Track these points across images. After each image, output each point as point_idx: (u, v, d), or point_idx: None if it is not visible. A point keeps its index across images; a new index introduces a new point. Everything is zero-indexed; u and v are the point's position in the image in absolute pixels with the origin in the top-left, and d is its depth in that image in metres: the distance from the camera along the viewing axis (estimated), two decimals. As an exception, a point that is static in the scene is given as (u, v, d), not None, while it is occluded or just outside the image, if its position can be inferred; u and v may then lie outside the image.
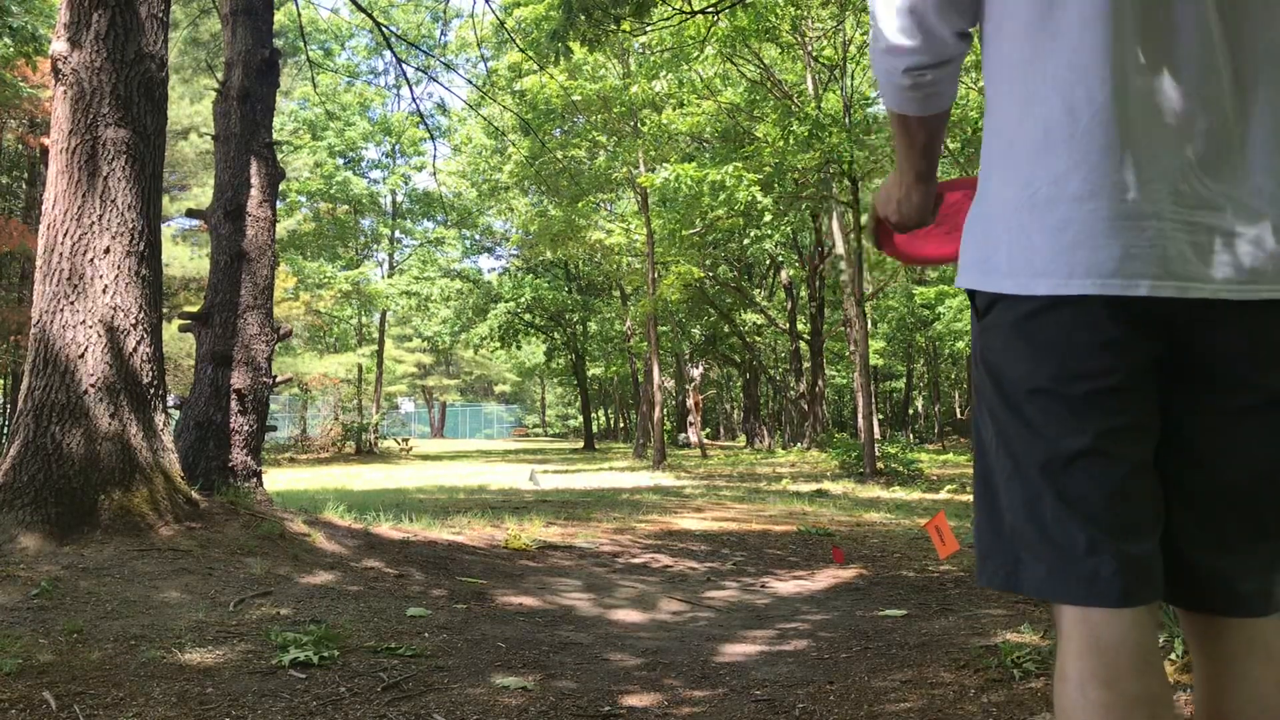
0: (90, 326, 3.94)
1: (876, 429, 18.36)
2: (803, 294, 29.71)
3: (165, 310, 7.07)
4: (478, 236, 35.30)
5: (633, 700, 2.61)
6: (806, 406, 28.26)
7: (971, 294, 1.16)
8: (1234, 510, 1.09)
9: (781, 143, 15.22)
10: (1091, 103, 1.03)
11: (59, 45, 4.11)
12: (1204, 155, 1.04)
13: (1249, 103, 1.06)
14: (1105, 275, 1.02)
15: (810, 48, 17.29)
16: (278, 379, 5.74)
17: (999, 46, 1.12)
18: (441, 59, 25.38)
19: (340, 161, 29.90)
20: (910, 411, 38.06)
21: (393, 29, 8.29)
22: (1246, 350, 1.05)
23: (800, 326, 29.58)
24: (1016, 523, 1.09)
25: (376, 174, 32.54)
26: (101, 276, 3.99)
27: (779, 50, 18.09)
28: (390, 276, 31.70)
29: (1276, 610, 1.11)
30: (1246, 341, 1.05)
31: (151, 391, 4.13)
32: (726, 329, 30.51)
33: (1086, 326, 1.03)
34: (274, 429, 6.86)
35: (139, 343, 4.08)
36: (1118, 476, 1.04)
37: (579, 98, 18.20)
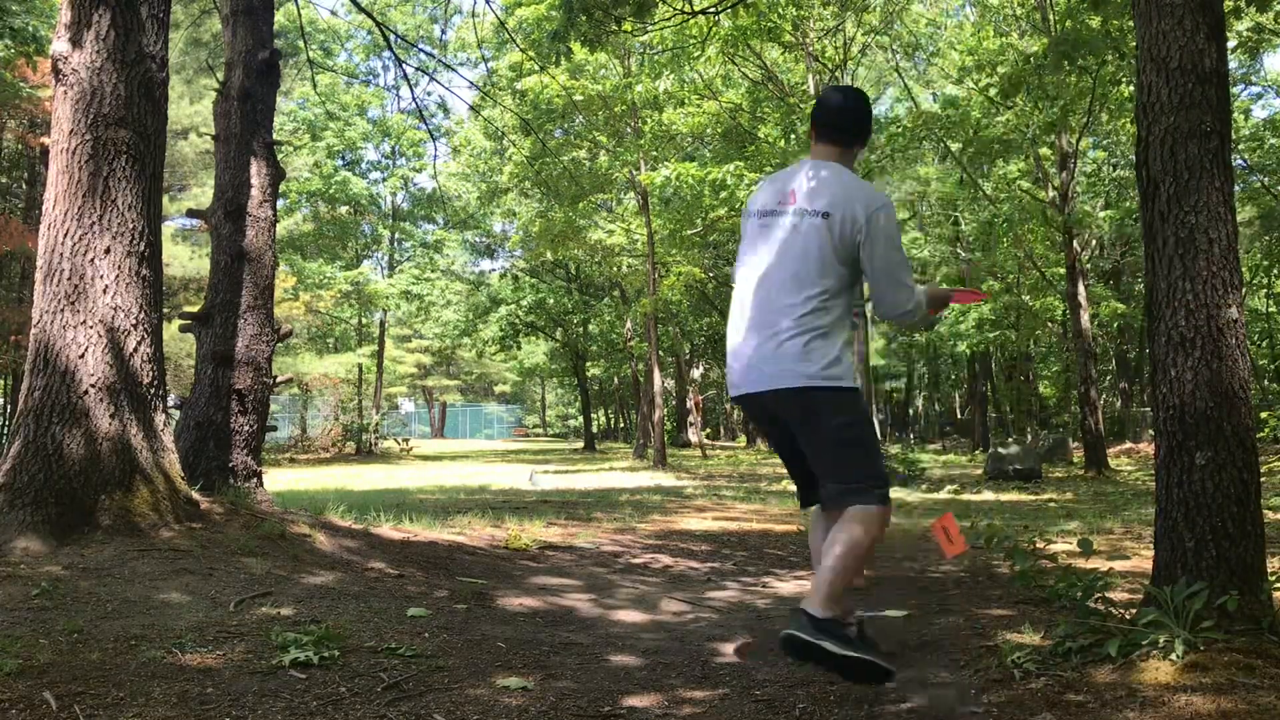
0: (91, 327, 3.93)
1: (877, 429, 18.35)
2: (803, 294, 29.66)
3: (165, 310, 7.06)
4: (480, 238, 35.28)
5: (633, 700, 2.61)
6: (807, 407, 28.20)
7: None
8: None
9: (783, 143, 15.21)
10: None
11: (60, 45, 4.11)
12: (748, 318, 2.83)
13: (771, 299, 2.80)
14: None
15: (811, 48, 17.29)
16: (278, 379, 5.74)
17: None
18: (442, 59, 25.37)
19: (339, 162, 29.89)
20: (911, 412, 38.05)
21: (392, 29, 8.29)
22: None
23: (800, 326, 29.52)
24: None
25: (376, 175, 32.55)
26: (102, 277, 3.98)
27: (780, 50, 18.09)
28: (390, 277, 31.70)
29: (834, 507, 2.70)
30: None
31: (152, 392, 4.13)
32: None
33: None
34: (274, 429, 6.86)
35: (139, 343, 4.07)
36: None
37: (580, 98, 18.19)
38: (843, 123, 2.98)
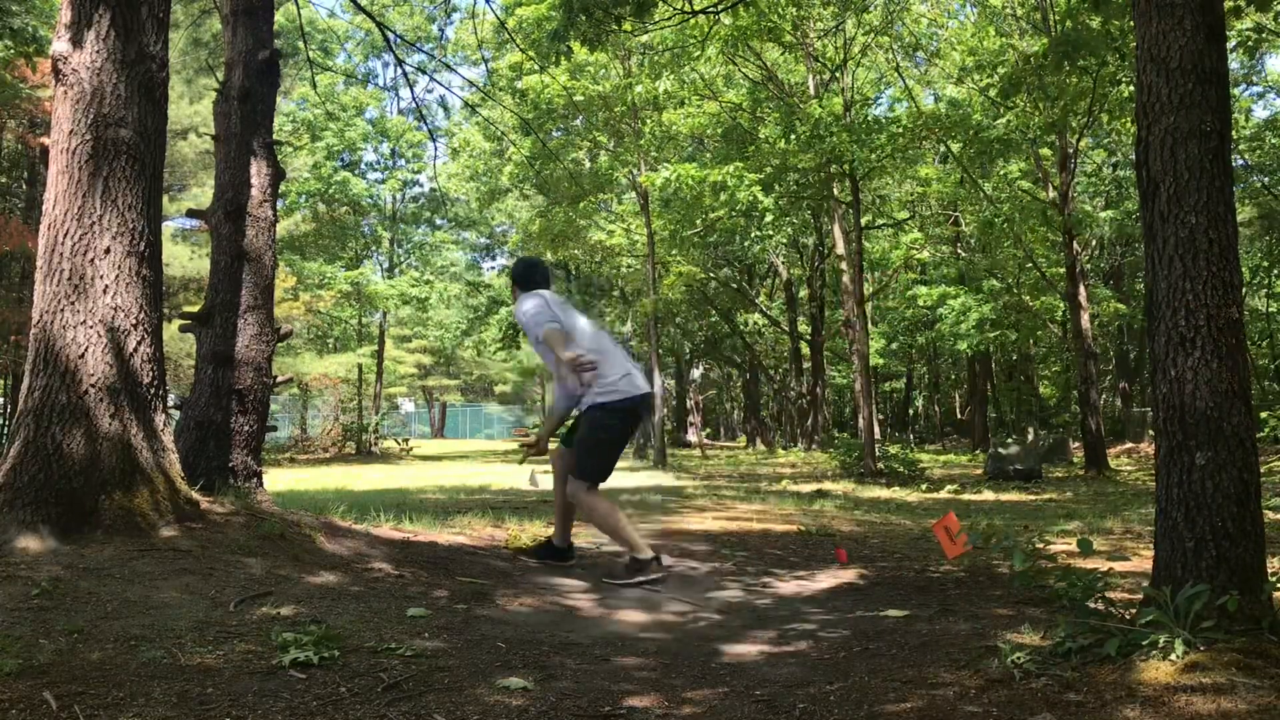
0: (91, 327, 3.93)
1: (877, 429, 18.35)
2: (803, 294, 29.70)
3: (165, 310, 7.06)
4: (482, 239, 35.26)
5: (634, 701, 2.61)
6: (807, 407, 28.24)
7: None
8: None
9: (783, 143, 15.21)
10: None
11: (60, 45, 4.11)
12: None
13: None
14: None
15: (811, 48, 17.28)
16: (278, 379, 5.74)
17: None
18: (442, 59, 25.37)
19: (339, 163, 29.88)
20: (911, 412, 38.04)
21: (392, 30, 8.28)
22: None
23: (801, 327, 29.56)
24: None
25: (375, 175, 32.55)
26: (102, 277, 3.98)
27: (780, 51, 18.08)
28: (390, 279, 31.69)
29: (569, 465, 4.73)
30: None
31: (152, 392, 4.13)
32: (727, 329, 30.48)
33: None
34: (274, 429, 6.85)
35: (139, 343, 4.07)
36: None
37: (580, 98, 18.18)
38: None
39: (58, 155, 4.06)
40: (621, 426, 4.77)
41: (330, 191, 28.48)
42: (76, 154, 4.02)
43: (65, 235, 3.97)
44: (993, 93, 15.23)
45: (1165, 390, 2.90)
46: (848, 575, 4.89)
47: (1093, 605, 3.01)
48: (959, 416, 35.99)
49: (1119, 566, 3.86)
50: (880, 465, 14.69)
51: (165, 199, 14.73)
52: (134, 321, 4.06)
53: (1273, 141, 20.48)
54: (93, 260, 3.97)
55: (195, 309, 5.58)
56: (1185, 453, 2.83)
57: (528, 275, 5.02)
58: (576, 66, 17.64)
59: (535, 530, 5.96)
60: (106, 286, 3.99)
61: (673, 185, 16.07)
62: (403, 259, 33.59)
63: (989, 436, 25.74)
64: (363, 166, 32.25)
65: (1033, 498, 10.96)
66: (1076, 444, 19.69)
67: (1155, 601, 2.72)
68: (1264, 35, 12.10)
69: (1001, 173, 19.60)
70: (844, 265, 17.76)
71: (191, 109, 22.47)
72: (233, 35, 5.58)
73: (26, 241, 16.15)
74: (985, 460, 16.28)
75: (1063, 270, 17.71)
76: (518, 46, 16.03)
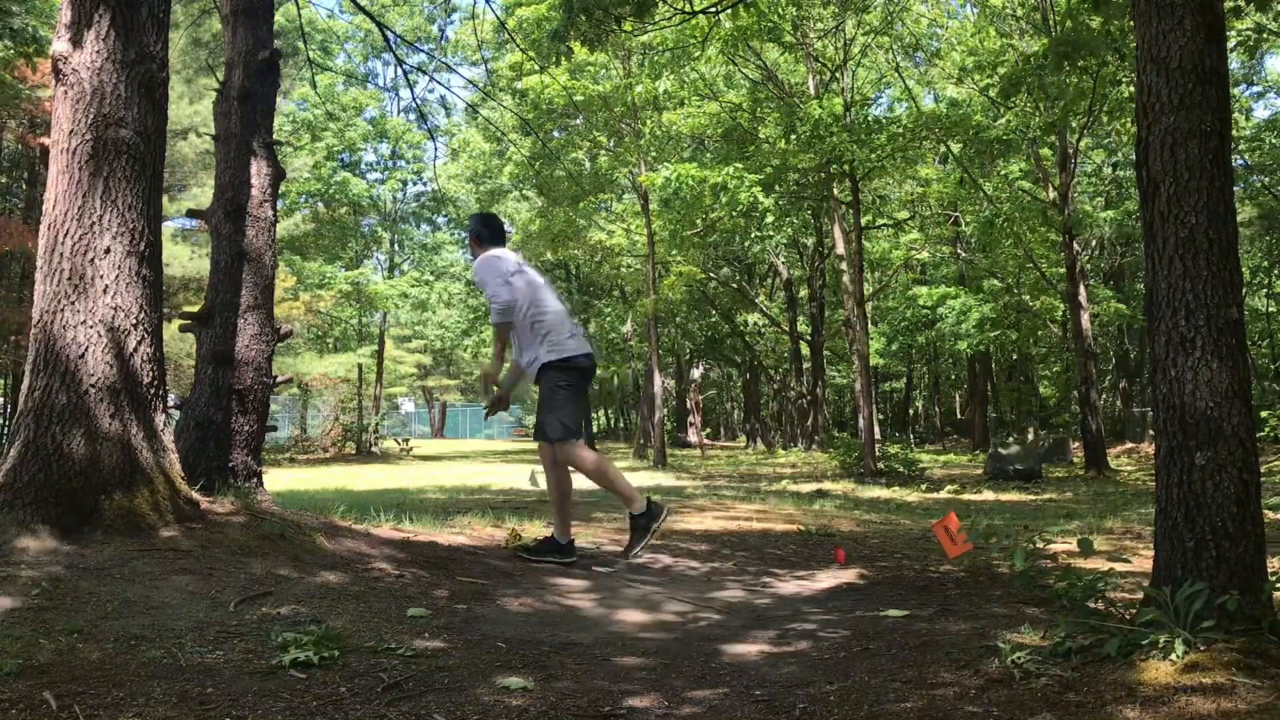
0: (91, 327, 3.93)
1: (877, 429, 18.35)
2: (803, 294, 29.69)
3: (165, 310, 7.06)
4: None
5: (634, 700, 2.61)
6: (807, 407, 28.23)
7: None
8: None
9: (783, 143, 15.21)
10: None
11: (60, 45, 4.11)
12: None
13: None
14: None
15: (811, 48, 17.27)
16: (278, 379, 5.73)
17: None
18: (442, 59, 25.36)
19: (339, 163, 29.88)
20: (911, 412, 38.03)
21: (391, 29, 8.28)
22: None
23: (801, 327, 29.55)
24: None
25: (375, 175, 32.55)
26: (102, 277, 3.98)
27: (781, 51, 18.08)
28: (390, 279, 31.68)
29: (543, 439, 4.93)
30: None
31: (152, 392, 4.13)
32: (727, 329, 30.47)
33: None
34: (274, 429, 6.85)
35: (140, 343, 4.07)
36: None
37: (581, 98, 18.18)
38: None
39: (58, 155, 4.06)
40: (578, 380, 4.97)
41: (330, 192, 28.48)
42: (76, 154, 4.01)
43: (65, 235, 3.97)
44: (993, 93, 15.23)
45: (1165, 390, 2.90)
46: (848, 575, 4.89)
47: (1093, 605, 3.01)
48: (959, 416, 36.00)
49: (1119, 566, 3.86)
50: (880, 465, 14.69)
51: (165, 199, 14.71)
52: (134, 321, 4.06)
53: (1273, 141, 20.48)
54: (93, 260, 3.97)
55: (195, 309, 5.58)
56: (1185, 453, 2.83)
57: (486, 230, 5.16)
58: (576, 67, 17.64)
59: (535, 530, 5.96)
60: (106, 286, 3.99)
61: (673, 185, 16.07)
62: (403, 259, 33.58)
63: (989, 436, 25.73)
64: (363, 167, 32.27)
65: (1033, 498, 10.96)
66: (1076, 444, 19.69)
67: (1155, 601, 2.72)
68: (1264, 35, 12.10)
69: (1001, 173, 19.60)
70: (844, 265, 17.76)
71: (191, 109, 22.46)
72: (233, 35, 5.58)
73: (26, 241, 16.15)
74: (985, 460, 16.28)
75: (1063, 270, 17.72)
76: (518, 46, 16.03)
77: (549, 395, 4.85)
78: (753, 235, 21.54)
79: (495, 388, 5.25)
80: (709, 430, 39.98)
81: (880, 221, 24.62)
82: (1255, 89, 24.44)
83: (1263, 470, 4.51)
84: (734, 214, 16.59)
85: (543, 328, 4.90)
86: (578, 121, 20.84)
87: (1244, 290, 4.05)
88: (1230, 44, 10.69)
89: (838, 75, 17.36)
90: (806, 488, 11.95)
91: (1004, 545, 3.54)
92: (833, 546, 5.77)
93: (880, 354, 27.70)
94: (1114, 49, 11.28)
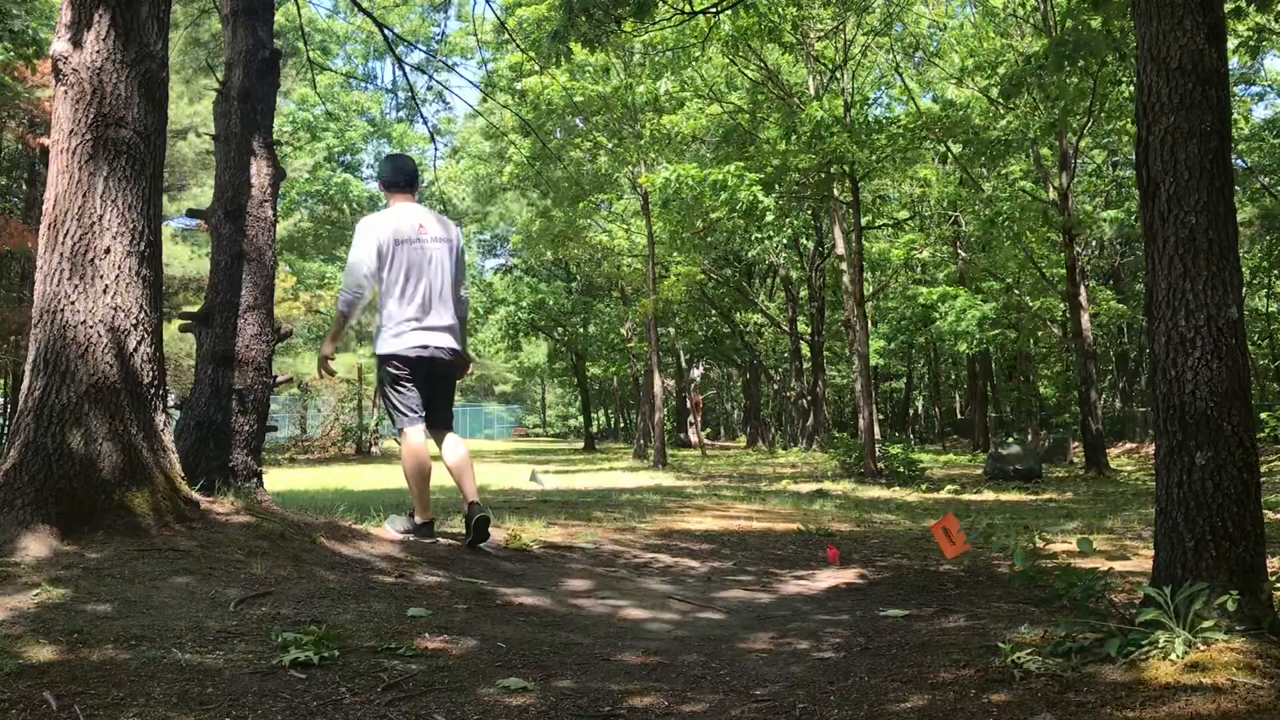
0: (91, 327, 3.93)
1: (877, 429, 18.35)
2: (803, 294, 29.69)
3: (165, 310, 7.06)
4: (485, 236, 35.29)
5: (634, 700, 2.61)
6: (807, 407, 28.24)
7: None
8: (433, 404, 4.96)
9: (783, 144, 15.21)
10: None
11: (60, 45, 4.11)
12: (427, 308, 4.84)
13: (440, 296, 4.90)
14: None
15: (812, 49, 17.28)
16: (278, 379, 5.73)
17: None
18: (443, 59, 25.37)
19: (339, 164, 29.89)
20: (911, 412, 38.04)
21: (390, 29, 8.28)
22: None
23: (801, 326, 29.56)
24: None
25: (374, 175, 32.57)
26: (102, 277, 3.98)
27: (781, 52, 18.08)
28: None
29: (446, 429, 5.07)
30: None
31: (152, 392, 4.13)
32: (727, 329, 30.47)
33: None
34: (274, 429, 6.85)
35: (140, 343, 4.07)
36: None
37: (581, 98, 18.18)
38: (416, 178, 5.15)
39: (58, 155, 4.06)
40: (408, 371, 4.86)
41: (330, 193, 28.49)
42: (76, 154, 4.01)
43: (65, 235, 3.97)
44: (993, 93, 15.23)
45: (1165, 390, 2.89)
46: (848, 575, 4.89)
47: (1093, 605, 3.01)
48: (959, 416, 36.01)
49: (1119, 566, 3.87)
50: (880, 465, 14.69)
51: (165, 199, 14.71)
52: (134, 321, 4.06)
53: (1273, 142, 20.48)
54: (93, 260, 3.97)
55: (195, 309, 5.58)
56: (1185, 453, 2.83)
57: (401, 177, 5.07)
58: (576, 67, 17.64)
59: (535, 530, 5.96)
60: (107, 286, 3.98)
61: (673, 185, 16.07)
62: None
63: (989, 436, 25.74)
64: (363, 170, 32.28)
65: (1033, 498, 10.96)
66: (1076, 444, 19.69)
67: (1155, 601, 2.72)
68: (1264, 35, 12.10)
69: (1002, 173, 19.60)
70: (844, 265, 17.75)
71: (191, 109, 22.47)
72: (232, 35, 5.58)
73: (26, 241, 16.16)
74: (985, 460, 16.28)
75: (1063, 270, 17.72)
76: (518, 47, 16.03)
77: (383, 385, 5.00)
78: (753, 235, 21.57)
79: (331, 374, 5.24)
80: (709, 430, 40.00)
81: (880, 221, 24.62)
82: (1255, 89, 24.44)
83: (1263, 470, 4.51)
84: (734, 213, 16.59)
85: (383, 315, 4.86)
86: (578, 121, 20.84)
87: (1244, 290, 4.05)
88: (1231, 44, 10.68)
89: (838, 75, 17.36)
90: (806, 488, 11.95)
91: (1004, 545, 3.54)
92: (827, 546, 5.77)
93: (880, 354, 27.71)
94: (1114, 49, 11.29)
